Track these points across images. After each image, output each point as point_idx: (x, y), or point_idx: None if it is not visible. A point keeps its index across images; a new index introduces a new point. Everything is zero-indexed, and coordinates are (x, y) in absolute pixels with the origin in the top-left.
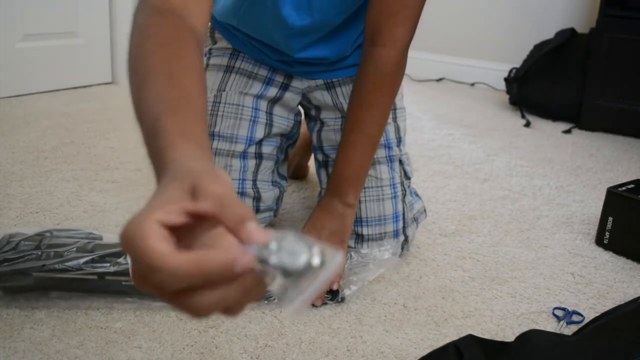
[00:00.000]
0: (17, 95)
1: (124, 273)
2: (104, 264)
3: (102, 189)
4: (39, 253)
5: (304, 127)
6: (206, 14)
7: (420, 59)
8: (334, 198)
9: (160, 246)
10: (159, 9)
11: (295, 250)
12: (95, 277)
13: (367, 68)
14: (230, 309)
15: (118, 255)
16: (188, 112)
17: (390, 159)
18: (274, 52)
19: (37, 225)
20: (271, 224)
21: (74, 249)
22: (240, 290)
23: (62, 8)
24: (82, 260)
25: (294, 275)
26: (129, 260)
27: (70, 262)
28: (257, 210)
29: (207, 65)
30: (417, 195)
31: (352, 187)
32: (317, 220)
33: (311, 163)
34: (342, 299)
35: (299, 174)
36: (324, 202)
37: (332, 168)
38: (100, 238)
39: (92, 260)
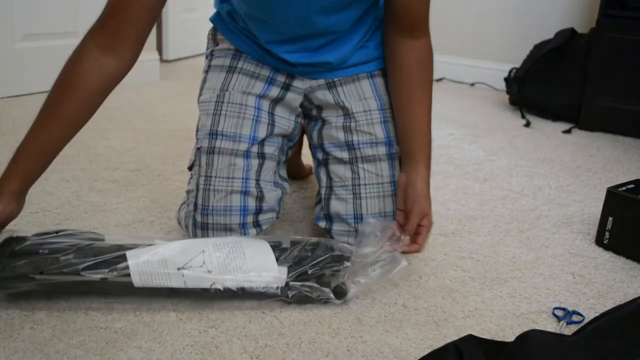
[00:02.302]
0: (17, 95)
1: (125, 276)
2: (103, 269)
3: (102, 189)
4: (37, 259)
5: None
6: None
7: None
8: (425, 168)
9: None
10: (97, 49)
11: None
12: (98, 279)
13: (420, 55)
14: None
15: (117, 259)
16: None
17: (391, 156)
18: (279, 50)
19: (37, 225)
20: (273, 225)
21: (72, 254)
22: None
23: (62, 8)
24: (80, 267)
25: None
26: (129, 263)
27: (68, 268)
28: (260, 210)
29: (210, 66)
30: None
31: (429, 152)
32: (425, 191)
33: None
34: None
35: (294, 174)
36: (420, 176)
37: (405, 143)
38: (102, 239)
39: (90, 267)
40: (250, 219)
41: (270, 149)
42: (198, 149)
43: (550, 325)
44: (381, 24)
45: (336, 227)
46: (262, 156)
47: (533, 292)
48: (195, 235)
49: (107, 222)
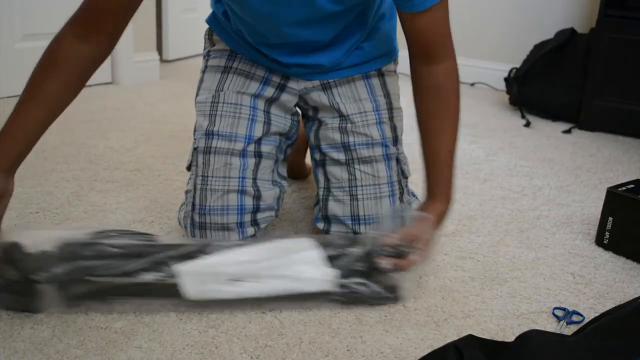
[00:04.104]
0: (17, 95)
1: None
2: (156, 273)
3: (102, 189)
4: (96, 261)
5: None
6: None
7: None
8: (441, 203)
9: None
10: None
11: None
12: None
13: (441, 82)
14: None
15: (169, 262)
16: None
17: (387, 157)
18: (270, 52)
19: (36, 225)
20: (272, 224)
21: (122, 258)
22: None
23: (62, 8)
24: (130, 268)
25: None
26: (182, 273)
27: (118, 270)
28: (258, 209)
29: (206, 67)
30: (414, 196)
31: (448, 186)
32: (429, 218)
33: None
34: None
35: (296, 173)
36: (431, 208)
37: (426, 175)
38: (155, 241)
39: (146, 269)
40: (247, 217)
41: (267, 147)
42: (195, 149)
43: (550, 325)
44: (380, 22)
45: (334, 228)
46: (258, 155)
47: (533, 292)
48: (193, 236)
49: (107, 222)
